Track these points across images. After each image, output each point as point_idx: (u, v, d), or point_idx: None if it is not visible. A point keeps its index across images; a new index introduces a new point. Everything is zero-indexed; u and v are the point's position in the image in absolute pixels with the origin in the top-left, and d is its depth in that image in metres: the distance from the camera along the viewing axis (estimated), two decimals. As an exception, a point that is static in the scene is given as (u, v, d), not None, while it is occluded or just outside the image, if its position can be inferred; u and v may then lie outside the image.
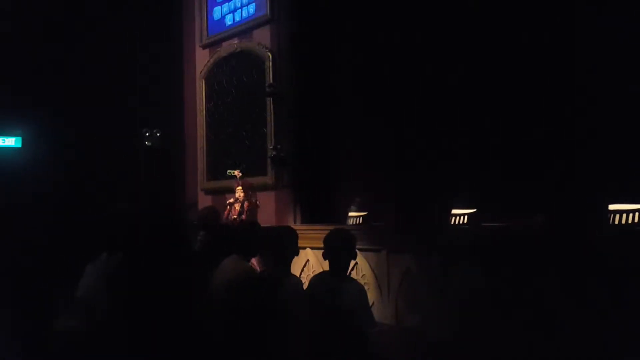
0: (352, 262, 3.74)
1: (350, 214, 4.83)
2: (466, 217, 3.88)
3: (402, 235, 4.08)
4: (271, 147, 5.69)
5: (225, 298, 2.96)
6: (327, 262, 3.18)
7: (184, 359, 2.37)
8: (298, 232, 3.87)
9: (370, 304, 4.13)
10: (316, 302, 3.03)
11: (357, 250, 3.36)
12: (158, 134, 6.70)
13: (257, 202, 5.48)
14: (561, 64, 3.57)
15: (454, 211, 3.96)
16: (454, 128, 4.09)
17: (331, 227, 4.52)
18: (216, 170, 6.46)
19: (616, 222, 3.28)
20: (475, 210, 3.89)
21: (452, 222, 3.96)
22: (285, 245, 3.31)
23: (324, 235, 3.24)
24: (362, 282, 4.23)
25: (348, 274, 3.81)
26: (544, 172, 3.53)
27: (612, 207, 3.32)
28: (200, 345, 2.40)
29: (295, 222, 5.44)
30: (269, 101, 5.82)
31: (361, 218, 4.73)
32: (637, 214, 3.24)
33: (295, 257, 3.69)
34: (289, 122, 5.62)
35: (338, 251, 3.13)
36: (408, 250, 3.94)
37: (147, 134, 6.66)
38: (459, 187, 3.98)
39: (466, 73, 3.89)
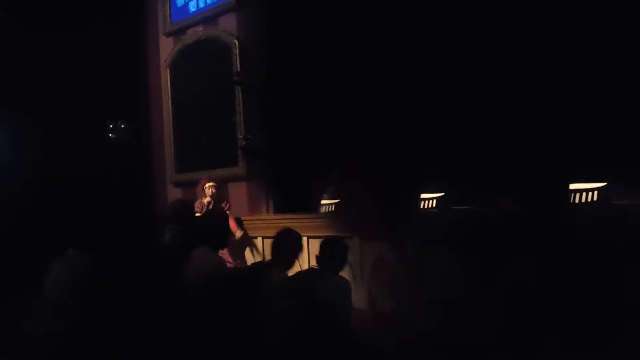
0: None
1: (323, 201, 4.96)
2: (435, 201, 4.04)
3: (374, 222, 4.23)
4: (241, 136, 5.76)
5: (195, 289, 3.05)
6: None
7: (162, 355, 2.43)
8: (270, 222, 4.00)
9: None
10: (296, 292, 3.17)
11: (347, 261, 3.52)
12: (122, 126, 6.71)
13: (227, 206, 5.57)
14: (526, 43, 3.71)
15: (423, 195, 4.12)
16: (425, 114, 4.22)
17: (303, 216, 4.70)
18: (185, 162, 6.51)
19: (576, 200, 3.49)
20: (443, 194, 4.06)
21: (422, 206, 4.12)
22: (292, 250, 3.42)
23: (297, 224, 3.38)
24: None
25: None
26: (509, 155, 3.70)
27: (573, 186, 3.53)
28: (177, 338, 2.49)
29: (267, 211, 5.55)
30: (238, 90, 5.86)
31: (334, 205, 4.87)
32: (595, 192, 3.45)
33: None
34: (259, 111, 5.68)
35: (329, 261, 3.32)
36: (380, 237, 4.10)
37: (111, 126, 6.65)
38: (428, 172, 4.14)
39: (437, 58, 4.01)
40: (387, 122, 4.50)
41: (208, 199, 5.47)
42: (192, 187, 6.25)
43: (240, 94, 5.85)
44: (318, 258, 3.40)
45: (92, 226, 3.01)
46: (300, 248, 3.45)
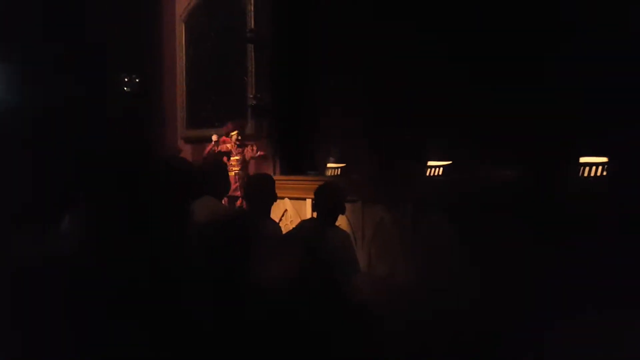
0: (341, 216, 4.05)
1: (329, 165, 5.03)
2: (441, 169, 4.09)
3: (377, 186, 4.31)
4: (251, 96, 5.81)
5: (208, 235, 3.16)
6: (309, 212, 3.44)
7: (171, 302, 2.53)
8: (277, 182, 4.09)
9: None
10: (299, 242, 3.26)
11: (344, 205, 3.59)
12: (137, 80, 6.78)
13: (256, 150, 5.63)
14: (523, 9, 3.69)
15: (430, 163, 4.17)
16: (434, 79, 4.24)
17: (309, 179, 4.79)
18: (196, 118, 6.60)
19: (585, 174, 3.51)
20: (450, 162, 4.10)
21: (428, 174, 4.17)
22: (263, 192, 3.54)
23: (302, 185, 3.47)
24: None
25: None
26: (517, 125, 3.72)
27: (583, 159, 3.55)
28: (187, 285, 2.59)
29: (274, 172, 5.64)
30: (250, 48, 5.90)
31: (339, 169, 4.94)
32: (605, 166, 3.47)
33: (274, 207, 3.95)
34: (270, 70, 5.72)
35: (326, 203, 3.37)
36: (382, 201, 4.17)
37: (126, 80, 6.73)
38: (436, 139, 4.17)
39: (443, 25, 4.00)
40: (400, 87, 4.51)
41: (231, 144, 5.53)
42: (202, 144, 6.35)
43: (253, 53, 5.88)
44: (316, 208, 3.44)
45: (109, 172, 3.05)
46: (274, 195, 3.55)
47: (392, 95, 4.32)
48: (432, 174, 4.22)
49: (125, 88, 6.87)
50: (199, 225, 3.25)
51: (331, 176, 4.91)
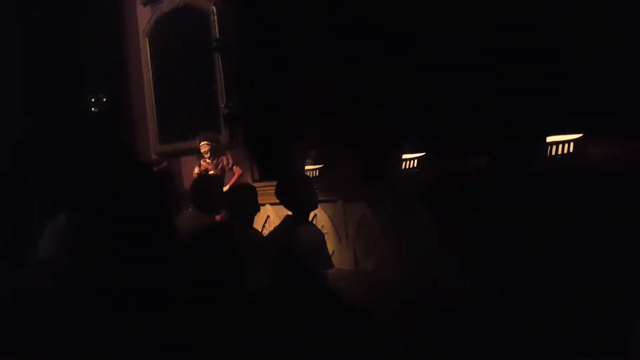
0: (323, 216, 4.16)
1: (307, 167, 5.16)
2: (416, 161, 4.25)
3: (356, 185, 4.45)
4: (223, 105, 5.91)
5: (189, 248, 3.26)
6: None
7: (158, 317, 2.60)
8: (257, 189, 4.19)
9: (331, 252, 4.56)
10: (273, 241, 3.35)
11: (316, 195, 3.69)
12: (104, 99, 6.81)
13: (231, 163, 5.72)
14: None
15: (404, 156, 4.33)
16: (406, 75, 4.37)
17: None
18: (168, 132, 6.66)
19: (553, 153, 3.69)
20: (424, 154, 4.26)
21: (403, 167, 4.33)
22: (245, 202, 3.64)
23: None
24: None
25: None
26: (488, 112, 3.88)
27: (550, 139, 3.72)
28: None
29: (253, 179, 5.74)
30: (217, 57, 5.99)
31: (317, 171, 5.07)
32: (572, 144, 3.65)
33: (257, 215, 4.07)
34: (240, 78, 5.81)
35: (289, 200, 3.48)
36: (362, 199, 4.32)
37: (93, 100, 6.75)
38: (409, 132, 4.32)
39: (415, 17, 4.15)
40: (371, 84, 4.63)
41: (206, 160, 5.63)
42: (177, 158, 6.42)
43: (220, 61, 5.97)
44: (285, 202, 3.53)
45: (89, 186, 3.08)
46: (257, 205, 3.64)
47: (362, 91, 4.46)
48: (407, 166, 4.38)
49: (92, 108, 6.89)
50: (180, 237, 3.37)
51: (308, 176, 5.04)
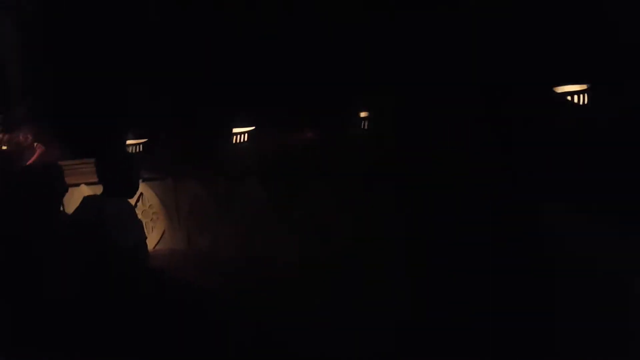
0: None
1: (129, 142, 4.85)
2: (246, 135, 4.25)
3: (186, 161, 4.32)
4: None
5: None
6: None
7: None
8: (71, 167, 3.88)
9: (161, 232, 4.42)
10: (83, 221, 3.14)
11: (138, 177, 3.50)
12: None
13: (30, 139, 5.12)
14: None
15: (235, 130, 4.30)
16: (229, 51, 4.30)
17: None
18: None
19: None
20: (254, 127, 4.28)
21: (234, 141, 4.31)
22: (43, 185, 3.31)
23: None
24: (150, 212, 4.45)
25: (134, 205, 4.00)
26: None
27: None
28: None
29: (64, 157, 5.25)
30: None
31: (140, 146, 4.81)
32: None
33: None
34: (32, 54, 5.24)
35: (108, 177, 3.28)
36: (193, 176, 4.22)
37: None
38: (238, 106, 4.30)
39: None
40: (197, 60, 4.47)
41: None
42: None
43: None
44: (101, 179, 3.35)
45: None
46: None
47: (186, 65, 4.31)
48: (238, 140, 4.37)
49: None
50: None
51: (134, 154, 4.76)
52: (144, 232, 3.44)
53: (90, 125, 5.17)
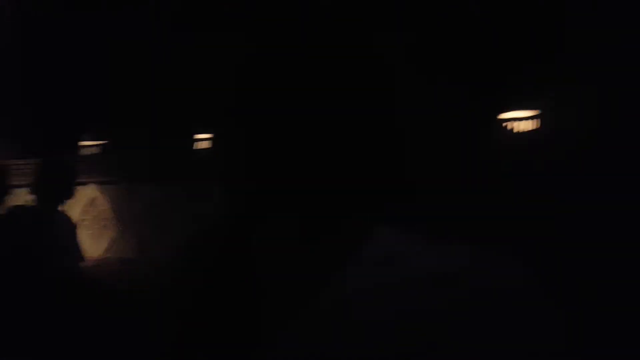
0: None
1: (80, 143, 4.66)
2: (205, 140, 4.17)
3: (143, 164, 4.20)
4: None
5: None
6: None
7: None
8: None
9: (111, 240, 4.26)
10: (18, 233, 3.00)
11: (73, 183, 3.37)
12: None
13: None
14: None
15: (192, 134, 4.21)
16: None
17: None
18: None
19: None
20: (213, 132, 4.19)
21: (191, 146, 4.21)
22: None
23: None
24: (100, 217, 4.28)
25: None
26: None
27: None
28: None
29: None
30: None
31: (86, 148, 4.63)
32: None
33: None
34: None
35: (38, 181, 3.15)
36: (151, 180, 4.13)
37: None
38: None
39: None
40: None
41: None
42: None
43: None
44: (35, 188, 3.19)
45: None
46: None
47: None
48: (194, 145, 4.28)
49: None
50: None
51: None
52: (75, 239, 3.32)
53: (29, 125, 4.96)
